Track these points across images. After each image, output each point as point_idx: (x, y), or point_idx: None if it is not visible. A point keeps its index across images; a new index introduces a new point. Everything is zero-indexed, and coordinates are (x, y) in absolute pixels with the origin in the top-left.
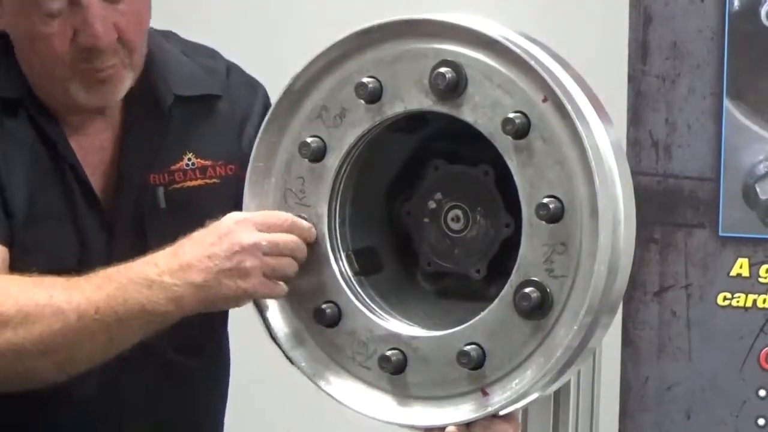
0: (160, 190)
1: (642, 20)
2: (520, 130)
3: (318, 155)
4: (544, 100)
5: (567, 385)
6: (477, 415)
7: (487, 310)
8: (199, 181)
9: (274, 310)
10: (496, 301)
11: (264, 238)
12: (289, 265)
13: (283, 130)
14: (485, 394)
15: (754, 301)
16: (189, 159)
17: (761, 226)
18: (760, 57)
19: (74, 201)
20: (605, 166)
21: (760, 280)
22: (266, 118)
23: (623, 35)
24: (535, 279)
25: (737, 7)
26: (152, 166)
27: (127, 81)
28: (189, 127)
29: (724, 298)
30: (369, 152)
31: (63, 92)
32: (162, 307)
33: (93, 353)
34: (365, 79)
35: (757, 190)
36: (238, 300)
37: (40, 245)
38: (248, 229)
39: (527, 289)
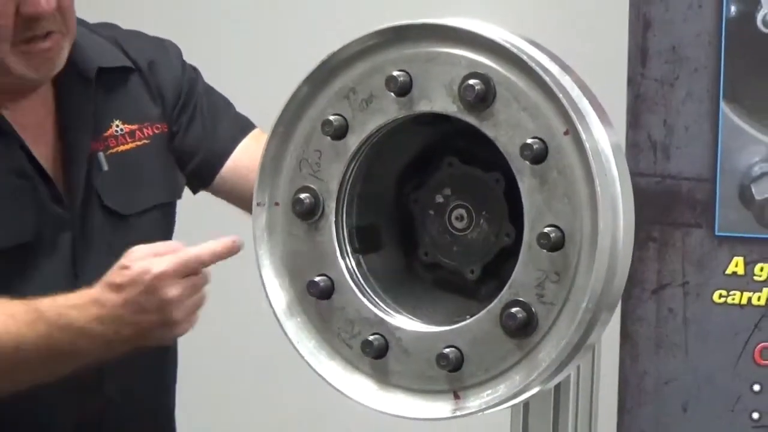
0: (101, 155)
1: (641, 25)
2: (537, 157)
3: (339, 134)
4: (566, 133)
5: (567, 379)
6: (447, 416)
7: (473, 319)
8: (131, 144)
9: (272, 280)
10: (483, 312)
11: (189, 287)
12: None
13: (309, 102)
14: (457, 397)
15: (749, 299)
16: (117, 126)
17: (756, 226)
18: (755, 61)
19: (26, 178)
20: (612, 205)
21: (755, 278)
22: (294, 89)
23: (623, 40)
24: (524, 301)
25: (734, 13)
26: (90, 135)
27: (65, 50)
28: (112, 97)
29: (720, 296)
30: (388, 138)
31: (4, 72)
32: (93, 351)
33: (30, 379)
34: (396, 72)
35: (753, 190)
36: (166, 343)
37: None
38: (172, 282)
39: (514, 309)
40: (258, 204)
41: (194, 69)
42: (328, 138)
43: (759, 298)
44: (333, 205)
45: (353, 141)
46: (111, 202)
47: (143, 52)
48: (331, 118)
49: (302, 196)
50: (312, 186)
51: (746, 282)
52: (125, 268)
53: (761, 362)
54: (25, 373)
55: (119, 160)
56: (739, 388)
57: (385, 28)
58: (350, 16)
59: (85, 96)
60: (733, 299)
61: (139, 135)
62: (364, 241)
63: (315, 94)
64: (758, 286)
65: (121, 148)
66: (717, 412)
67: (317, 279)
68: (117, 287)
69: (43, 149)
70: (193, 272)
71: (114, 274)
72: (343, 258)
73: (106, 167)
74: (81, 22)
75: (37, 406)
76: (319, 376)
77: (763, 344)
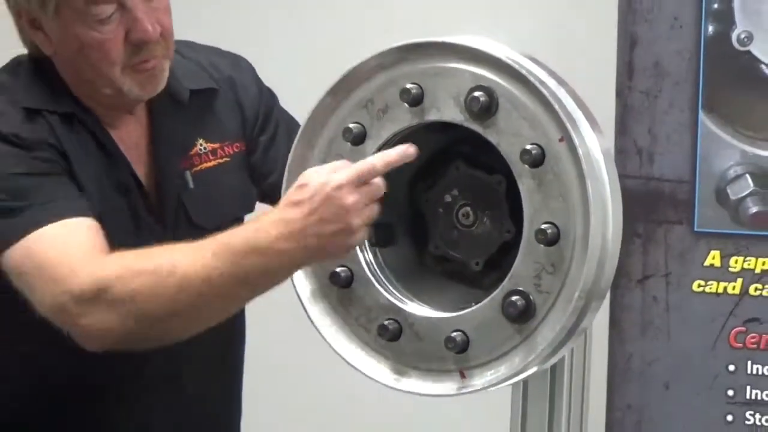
0: (188, 173)
1: (628, 43)
2: (535, 161)
3: (358, 140)
4: (561, 140)
5: (562, 360)
6: (454, 393)
7: (477, 306)
8: (213, 162)
9: (299, 274)
10: (487, 300)
11: (364, 195)
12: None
13: (332, 111)
14: (463, 376)
15: (725, 288)
16: (201, 144)
17: (731, 223)
18: (731, 76)
19: (130, 194)
20: (603, 204)
21: (730, 269)
22: (318, 100)
23: (612, 56)
24: (523, 290)
25: (711, 33)
26: (179, 154)
27: (166, 71)
28: (197, 117)
29: (699, 285)
30: (402, 143)
31: (115, 92)
32: (277, 269)
33: (217, 313)
34: (410, 85)
35: (728, 191)
36: (347, 254)
37: (108, 234)
38: (350, 191)
39: (514, 297)
40: None
41: (271, 92)
42: (349, 144)
43: (734, 288)
44: None
45: (371, 147)
46: (196, 217)
47: (222, 72)
48: (351, 125)
49: None
50: None
51: (722, 273)
52: (303, 185)
53: (736, 345)
54: (214, 306)
55: (203, 177)
56: (715, 368)
57: (400, 46)
58: (369, 34)
59: (176, 117)
60: (711, 288)
61: (221, 153)
62: (380, 237)
63: (337, 104)
64: (733, 277)
65: (205, 165)
66: (696, 389)
67: (338, 270)
68: (297, 203)
69: (140, 167)
70: (367, 181)
71: (293, 193)
72: (362, 251)
73: (192, 184)
74: None
75: (123, 401)
76: (339, 356)
77: (737, 329)
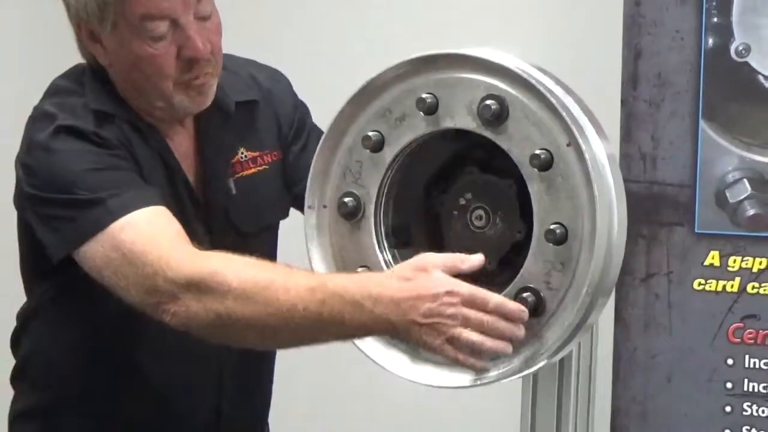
0: (230, 181)
1: (633, 55)
2: (544, 165)
3: (377, 147)
4: (568, 145)
5: (570, 354)
6: (469, 384)
7: None
8: (253, 169)
9: (322, 271)
10: (500, 296)
11: (465, 317)
12: (485, 342)
13: (352, 120)
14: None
15: (724, 287)
16: (242, 153)
17: (730, 225)
18: (729, 86)
19: (183, 200)
20: (608, 206)
21: (729, 269)
22: (340, 108)
23: (617, 67)
24: (534, 287)
25: (711, 45)
26: (223, 162)
27: (214, 87)
28: (239, 126)
29: (699, 284)
30: (418, 150)
31: (167, 105)
32: (356, 326)
33: (293, 340)
34: (425, 95)
35: (727, 195)
36: (418, 345)
37: None
38: (455, 303)
39: (525, 294)
40: (309, 207)
41: (304, 105)
42: (368, 151)
43: (732, 286)
44: (372, 207)
45: (389, 153)
46: (238, 222)
47: (261, 84)
48: (370, 134)
49: (346, 199)
50: (354, 191)
51: (721, 272)
52: (423, 270)
53: (734, 340)
54: (288, 333)
55: (243, 183)
56: (715, 362)
57: (416, 58)
58: (387, 46)
59: (222, 127)
60: (710, 287)
61: (260, 161)
62: (398, 238)
63: (356, 113)
64: (731, 276)
65: (245, 172)
66: (696, 382)
67: (359, 270)
68: (405, 278)
69: (190, 175)
70: (476, 307)
71: (408, 268)
72: (381, 252)
73: (234, 191)
74: None
75: (173, 396)
76: (362, 352)
77: (735, 325)
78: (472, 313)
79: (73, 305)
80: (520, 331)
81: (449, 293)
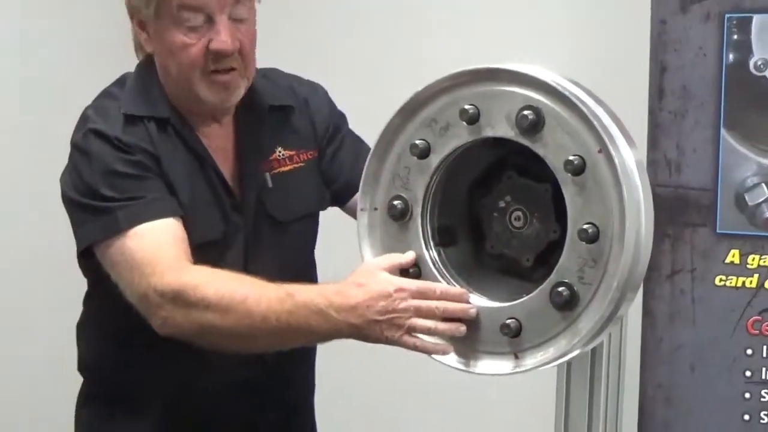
0: (267, 175)
1: (659, 70)
2: (577, 170)
3: (423, 154)
4: (599, 151)
5: (601, 344)
6: (509, 372)
7: (528, 296)
8: (290, 166)
9: None
10: (537, 291)
11: (416, 308)
12: (433, 326)
13: (401, 129)
14: (517, 357)
15: (743, 282)
16: (280, 151)
17: (749, 226)
18: (748, 98)
19: (216, 191)
20: (636, 208)
21: (748, 266)
22: (388, 120)
23: (645, 80)
24: (568, 282)
25: (731, 60)
26: (260, 159)
27: (241, 88)
28: (277, 128)
29: (720, 280)
30: (461, 157)
31: (195, 97)
32: (324, 332)
33: (267, 346)
34: (467, 106)
35: (746, 198)
36: (382, 342)
37: (198, 225)
38: (404, 297)
39: (560, 288)
40: (361, 209)
41: (342, 114)
42: (415, 158)
43: (751, 282)
44: (419, 209)
45: (434, 160)
46: (274, 212)
47: (299, 94)
48: (417, 142)
49: (396, 202)
50: (403, 195)
51: (741, 269)
52: (371, 273)
53: (752, 332)
54: (264, 339)
55: (280, 178)
56: (735, 352)
57: (459, 72)
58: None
59: (258, 128)
60: (731, 282)
61: (296, 159)
62: (443, 238)
63: (404, 123)
64: (750, 273)
65: (282, 169)
66: (717, 370)
67: (411, 270)
68: (358, 285)
69: (226, 169)
70: (425, 297)
71: (360, 275)
72: (428, 250)
73: (270, 184)
74: (256, 71)
75: (209, 374)
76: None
77: (754, 318)
78: (423, 303)
79: (110, 292)
80: (470, 310)
81: (398, 290)
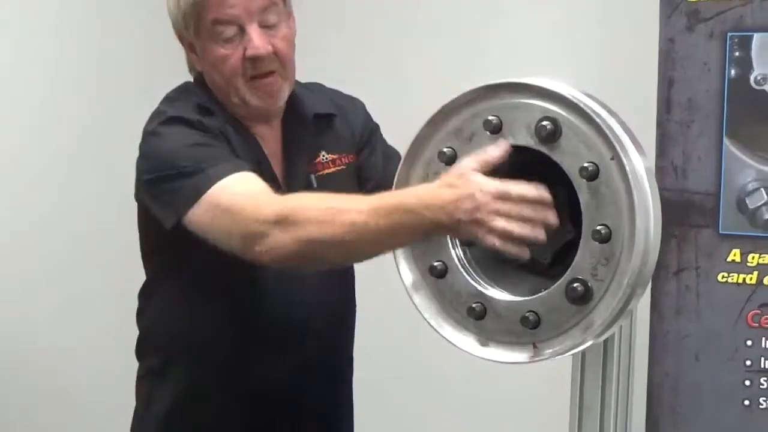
0: (312, 177)
1: (667, 84)
2: (591, 176)
3: (450, 161)
4: (612, 159)
5: (612, 335)
6: (528, 360)
7: (546, 291)
8: (333, 169)
9: (404, 266)
10: (554, 286)
11: (493, 209)
12: (517, 226)
13: (430, 138)
14: (535, 347)
15: (744, 279)
16: (323, 155)
17: (749, 227)
18: (749, 109)
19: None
20: (646, 210)
21: (748, 264)
22: (418, 130)
23: (653, 93)
24: (583, 278)
25: (734, 75)
26: (306, 161)
27: (284, 90)
28: (321, 134)
29: (723, 277)
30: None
31: (242, 102)
32: (417, 230)
33: (370, 251)
34: (491, 117)
35: (746, 201)
36: (468, 238)
37: None
38: (491, 198)
39: (575, 284)
40: None
41: (375, 124)
42: (443, 164)
43: (751, 279)
44: None
45: None
46: None
47: (339, 105)
48: (445, 149)
49: None
50: None
51: (741, 267)
52: (462, 175)
53: (752, 324)
54: (365, 245)
55: (324, 179)
56: (736, 343)
57: (482, 86)
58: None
59: (304, 133)
60: (732, 279)
61: (338, 162)
62: None
63: (433, 133)
64: (750, 270)
65: (326, 171)
66: (720, 360)
67: (435, 264)
68: (449, 185)
69: (276, 170)
70: (503, 199)
71: (451, 177)
72: (454, 248)
73: (315, 185)
74: (300, 84)
75: (249, 364)
76: (438, 333)
77: (754, 311)
78: (501, 205)
79: (183, 275)
80: (551, 217)
81: (482, 192)
